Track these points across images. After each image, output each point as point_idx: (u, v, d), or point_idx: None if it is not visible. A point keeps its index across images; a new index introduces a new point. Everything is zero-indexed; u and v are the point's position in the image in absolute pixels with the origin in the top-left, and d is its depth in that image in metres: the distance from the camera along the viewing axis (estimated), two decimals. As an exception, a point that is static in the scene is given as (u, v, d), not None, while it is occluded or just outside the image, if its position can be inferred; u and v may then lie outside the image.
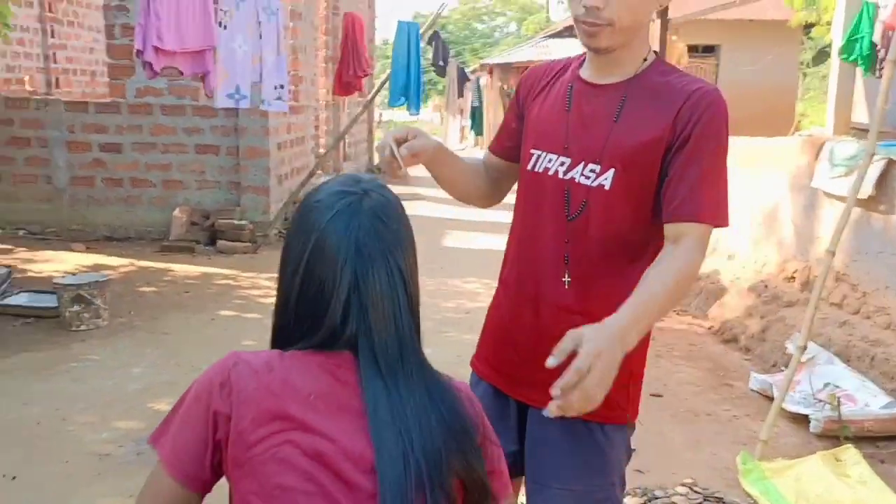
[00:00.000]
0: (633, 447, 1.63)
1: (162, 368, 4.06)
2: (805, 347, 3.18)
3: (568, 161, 1.50)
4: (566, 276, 1.51)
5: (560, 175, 1.51)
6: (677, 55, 8.78)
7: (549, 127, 1.55)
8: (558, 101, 1.55)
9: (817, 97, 19.96)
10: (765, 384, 4.03)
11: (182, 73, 4.86)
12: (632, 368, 1.53)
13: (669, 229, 1.42)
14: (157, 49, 4.35)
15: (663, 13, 7.93)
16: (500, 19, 47.03)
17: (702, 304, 5.68)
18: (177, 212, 7.17)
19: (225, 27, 4.90)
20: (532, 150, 1.58)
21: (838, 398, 3.54)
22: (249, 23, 5.12)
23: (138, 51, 4.41)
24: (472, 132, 17.71)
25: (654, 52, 1.53)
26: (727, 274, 5.75)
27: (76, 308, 4.57)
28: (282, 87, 5.48)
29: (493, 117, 16.70)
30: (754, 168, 5.73)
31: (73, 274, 5.42)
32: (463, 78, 13.98)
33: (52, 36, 9.99)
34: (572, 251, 1.50)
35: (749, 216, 5.68)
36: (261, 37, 5.13)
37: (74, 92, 10.38)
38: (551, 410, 1.17)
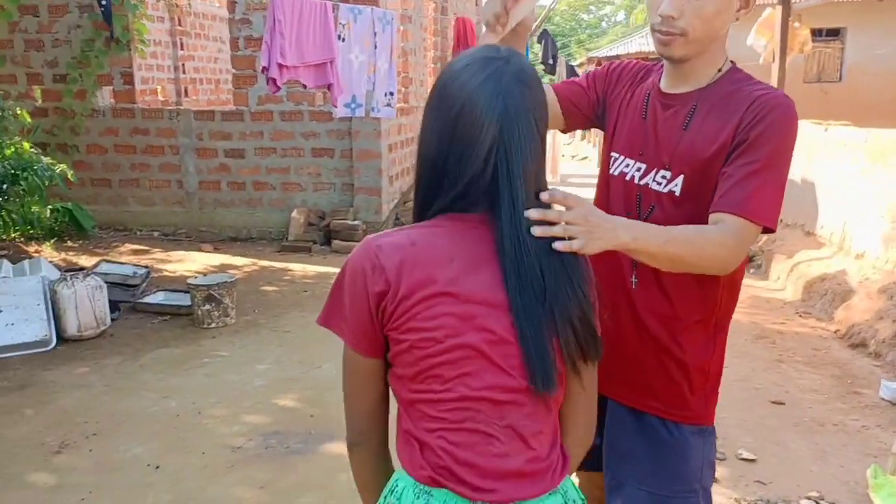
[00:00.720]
0: (719, 456, 1.64)
1: (285, 365, 4.29)
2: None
3: (644, 167, 1.56)
4: (634, 276, 1.56)
5: (636, 180, 1.56)
6: (801, 41, 8.34)
7: (628, 133, 1.61)
8: (637, 108, 1.61)
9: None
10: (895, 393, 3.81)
11: (306, 87, 5.09)
12: (708, 368, 1.58)
13: (712, 219, 1.41)
14: (280, 65, 4.58)
15: (784, 1, 7.56)
16: (607, 8, 46.04)
17: (826, 306, 5.40)
18: (294, 213, 7.51)
19: (343, 39, 5.11)
20: (612, 153, 1.65)
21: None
22: (366, 34, 5.31)
23: (264, 68, 4.66)
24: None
25: (731, 61, 1.53)
26: (855, 274, 5.44)
27: (207, 307, 4.89)
28: (391, 94, 5.64)
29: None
30: (887, 161, 5.38)
31: (204, 274, 5.80)
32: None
33: (182, 48, 10.66)
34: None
35: (879, 212, 5.34)
36: (375, 46, 5.30)
37: (200, 100, 11.04)
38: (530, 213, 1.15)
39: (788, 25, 7.81)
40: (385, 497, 1.19)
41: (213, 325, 4.92)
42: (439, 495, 1.13)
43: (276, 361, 4.36)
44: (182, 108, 8.20)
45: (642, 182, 1.55)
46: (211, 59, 11.80)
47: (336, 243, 7.30)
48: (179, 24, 10.57)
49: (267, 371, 4.21)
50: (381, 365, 1.18)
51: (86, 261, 6.42)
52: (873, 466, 2.93)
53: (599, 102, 1.71)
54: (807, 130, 6.50)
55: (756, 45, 8.36)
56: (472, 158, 1.12)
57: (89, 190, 7.82)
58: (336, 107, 5.24)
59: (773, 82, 7.62)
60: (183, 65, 10.70)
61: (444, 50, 11.28)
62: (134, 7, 7.04)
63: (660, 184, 1.52)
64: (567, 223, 1.13)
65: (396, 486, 1.17)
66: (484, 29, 1.45)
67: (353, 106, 5.24)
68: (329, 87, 5.04)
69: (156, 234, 7.78)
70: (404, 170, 8.63)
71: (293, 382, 4.03)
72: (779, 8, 7.75)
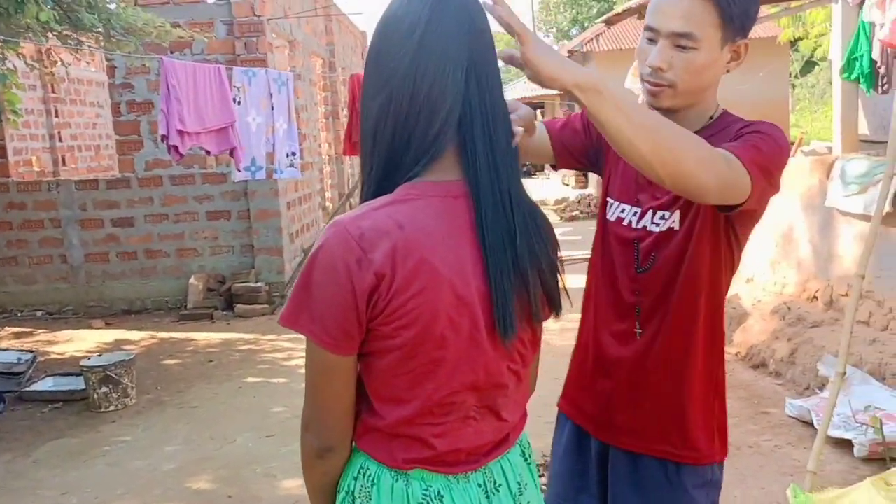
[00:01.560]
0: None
1: (196, 444, 4.05)
2: (844, 373, 3.15)
3: (639, 210, 1.53)
4: (637, 327, 1.53)
5: (633, 225, 1.54)
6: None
7: (622, 177, 1.58)
8: None
9: (808, 107, 20.14)
10: (802, 410, 3.99)
11: (209, 153, 4.95)
12: (713, 408, 1.56)
13: None
14: (180, 132, 4.43)
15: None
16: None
17: (725, 329, 5.65)
18: (192, 279, 7.21)
19: (239, 102, 5.01)
20: (608, 199, 1.62)
21: (881, 420, 3.50)
22: (262, 95, 5.23)
23: (163, 136, 4.49)
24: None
25: (724, 109, 1.52)
26: (748, 298, 5.73)
27: (104, 389, 4.57)
28: (293, 154, 5.57)
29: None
30: (764, 190, 5.75)
31: (98, 353, 5.43)
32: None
33: (56, 115, 10.16)
34: (643, 303, 1.52)
35: (765, 238, 5.68)
36: (273, 108, 5.23)
37: (80, 168, 10.51)
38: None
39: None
40: (355, 479, 1.10)
41: (112, 408, 4.59)
42: (416, 475, 1.08)
43: (186, 441, 4.10)
44: (62, 178, 7.78)
45: (639, 226, 1.53)
46: (89, 126, 11.30)
47: (239, 307, 7.04)
48: (53, 91, 10.08)
49: (176, 453, 3.95)
50: (355, 360, 1.07)
51: (-39, 350, 5.89)
52: (792, 486, 3.03)
53: (593, 145, 1.67)
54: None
55: (633, 87, 8.82)
56: (448, 87, 1.02)
57: (-39, 272, 7.24)
58: (240, 169, 5.10)
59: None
60: (59, 132, 10.18)
61: (335, 105, 11.29)
62: (3, 77, 6.65)
63: (658, 224, 1.50)
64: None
65: (367, 469, 1.10)
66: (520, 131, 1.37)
67: (253, 169, 5.13)
68: (232, 151, 4.92)
69: (39, 313, 7.25)
70: (304, 226, 8.48)
71: (206, 462, 3.80)
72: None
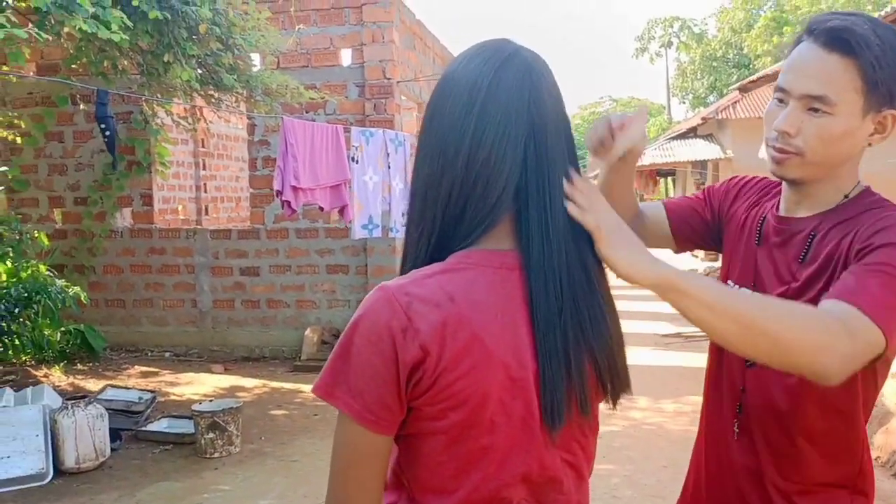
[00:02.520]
0: None
1: (289, 500, 4.03)
2: None
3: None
4: (736, 426, 1.37)
5: None
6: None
7: (742, 259, 1.43)
8: (751, 232, 1.42)
9: None
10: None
11: (322, 209, 5.10)
12: None
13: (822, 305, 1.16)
14: (294, 188, 4.59)
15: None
16: (621, 121, 47.34)
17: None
18: (308, 331, 7.38)
19: (357, 161, 5.15)
20: (728, 281, 1.46)
21: None
22: (379, 155, 5.36)
23: (278, 191, 4.67)
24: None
25: (866, 187, 1.32)
26: (892, 394, 5.13)
27: (211, 435, 4.67)
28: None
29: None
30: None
31: (211, 399, 5.60)
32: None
33: (204, 168, 10.92)
34: (748, 400, 1.35)
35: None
36: (389, 167, 5.34)
37: (221, 217, 11.20)
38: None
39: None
40: None
41: (217, 454, 4.68)
42: None
43: (280, 496, 4.09)
44: (199, 227, 8.27)
45: None
46: (232, 178, 12.07)
47: (350, 362, 7.10)
48: (203, 146, 10.87)
49: (269, 507, 3.94)
50: (391, 443, 0.96)
51: (93, 384, 6.27)
52: None
53: (715, 222, 1.53)
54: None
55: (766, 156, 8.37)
56: (507, 155, 0.96)
57: (103, 311, 7.78)
58: (351, 226, 5.22)
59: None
60: (205, 184, 10.93)
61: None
62: (156, 132, 7.24)
63: None
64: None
65: None
66: (590, 157, 1.29)
67: (370, 227, 5.24)
68: (343, 208, 5.04)
69: (167, 354, 7.65)
70: (420, 285, 8.54)
71: (297, 520, 3.76)
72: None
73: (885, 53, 1.19)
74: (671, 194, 25.98)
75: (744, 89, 8.48)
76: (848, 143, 1.24)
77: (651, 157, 17.76)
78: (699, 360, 6.83)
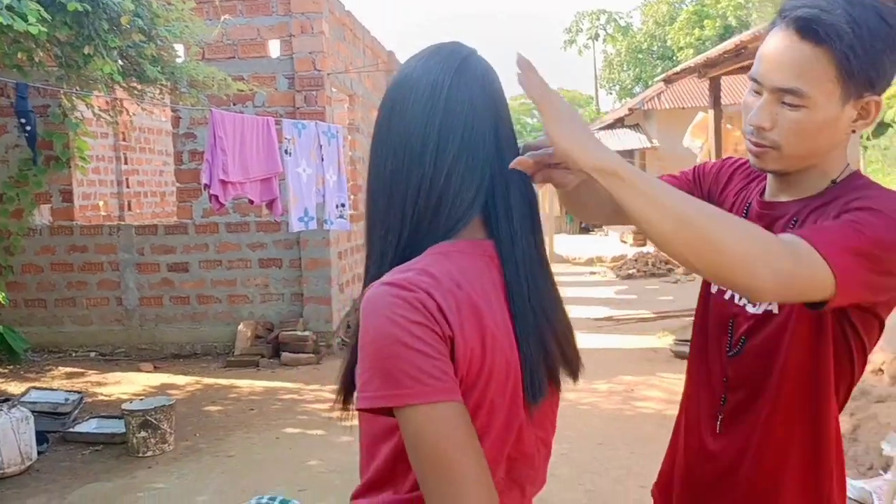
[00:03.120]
0: None
1: (227, 496, 3.98)
2: (909, 457, 2.90)
3: None
4: (719, 419, 1.33)
5: (736, 300, 1.32)
6: (734, 142, 8.70)
7: None
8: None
9: (881, 169, 19.53)
10: (863, 492, 3.68)
11: (252, 203, 5.04)
12: None
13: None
14: (223, 182, 4.52)
15: (716, 104, 7.92)
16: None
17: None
18: (241, 326, 7.28)
19: (290, 153, 5.10)
20: None
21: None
22: (312, 147, 5.33)
23: (205, 185, 4.59)
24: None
25: (855, 171, 1.27)
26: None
27: (143, 434, 4.58)
28: (343, 205, 5.62)
29: (549, 209, 16.76)
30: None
31: (142, 397, 5.48)
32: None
33: (126, 163, 10.58)
34: (731, 393, 1.32)
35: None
36: (322, 159, 5.31)
37: (145, 213, 10.89)
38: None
39: (722, 128, 8.15)
40: None
41: (150, 453, 4.59)
42: None
43: (218, 491, 4.05)
44: (122, 223, 8.04)
45: (740, 302, 1.31)
46: (156, 173, 11.73)
47: (285, 356, 7.05)
48: (124, 140, 10.53)
49: (207, 503, 3.90)
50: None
51: (15, 388, 6.04)
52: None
53: (705, 196, 1.46)
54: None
55: (692, 146, 8.70)
56: (479, 149, 1.00)
57: (23, 311, 7.48)
58: (287, 219, 5.16)
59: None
60: (127, 179, 10.59)
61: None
62: (75, 126, 6.99)
63: (756, 305, 1.28)
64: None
65: None
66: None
67: (306, 220, 5.21)
68: (272, 202, 4.99)
69: (92, 354, 7.41)
70: (355, 277, 8.52)
71: (234, 515, 3.73)
72: (711, 112, 8.10)
73: (862, 39, 1.11)
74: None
75: (667, 80, 8.76)
76: (827, 133, 1.18)
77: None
78: (630, 341, 7.05)
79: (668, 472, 1.49)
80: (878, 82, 1.15)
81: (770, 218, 1.27)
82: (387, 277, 0.93)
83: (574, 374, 1.08)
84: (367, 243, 1.06)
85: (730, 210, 1.37)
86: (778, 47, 1.17)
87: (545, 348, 1.01)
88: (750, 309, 1.29)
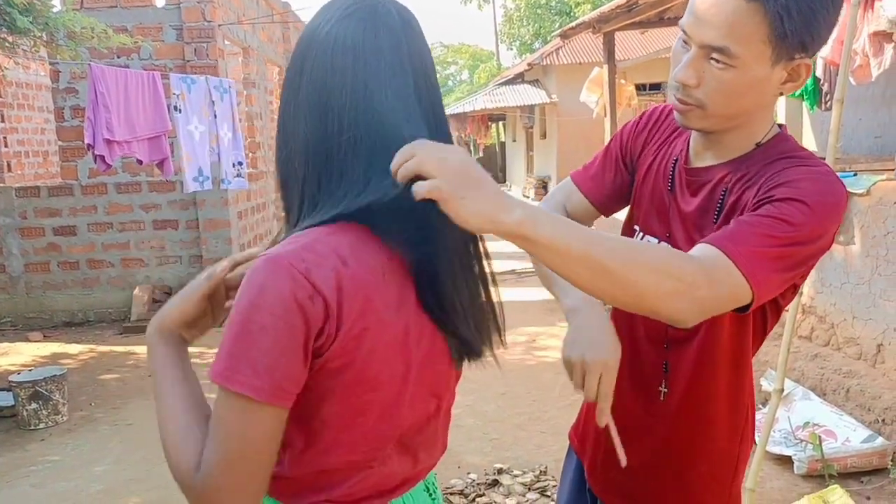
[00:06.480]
0: None
1: (126, 464, 3.89)
2: (782, 390, 3.15)
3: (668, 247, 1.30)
4: (663, 385, 1.31)
5: None
6: (628, 96, 8.95)
7: (652, 205, 1.33)
8: (663, 176, 1.32)
9: None
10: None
11: (141, 163, 4.80)
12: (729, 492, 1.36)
13: (692, 250, 1.08)
14: (108, 141, 4.29)
15: (610, 58, 8.10)
16: (452, 68, 47.84)
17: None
18: (137, 291, 7.01)
19: (179, 110, 4.87)
20: (635, 227, 1.38)
21: (819, 436, 3.51)
22: (203, 103, 5.10)
23: (89, 145, 4.34)
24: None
25: (780, 131, 1.23)
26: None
27: (34, 406, 4.38)
28: (240, 163, 5.44)
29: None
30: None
31: (30, 368, 5.22)
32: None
33: (3, 120, 9.86)
34: (673, 358, 1.30)
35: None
36: (215, 116, 5.10)
37: (27, 174, 10.22)
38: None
39: (616, 83, 8.36)
40: None
41: (42, 425, 4.41)
42: None
43: (116, 461, 3.94)
44: (2, 185, 7.53)
45: None
46: (37, 131, 10.99)
47: (185, 320, 6.84)
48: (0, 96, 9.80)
49: (104, 473, 3.78)
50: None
51: None
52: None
53: (629, 170, 1.41)
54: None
55: (588, 100, 8.89)
56: (397, 111, 0.93)
57: None
58: (182, 179, 4.96)
59: (606, 135, 8.10)
60: (5, 138, 9.89)
61: (291, 113, 11.15)
62: (-60, 79, 6.43)
63: None
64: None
65: None
66: None
67: (201, 179, 4.99)
68: (163, 161, 4.78)
69: (-25, 325, 6.99)
70: (256, 237, 8.33)
71: (135, 484, 3.64)
72: (606, 67, 8.29)
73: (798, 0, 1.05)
74: (502, 139, 26.78)
75: (564, 36, 8.87)
76: (755, 94, 1.13)
77: (482, 102, 18.21)
78: (532, 293, 7.22)
79: (587, 422, 1.51)
80: (811, 45, 1.09)
81: (697, 184, 1.25)
82: (272, 251, 0.90)
83: (480, 350, 1.07)
84: (286, 206, 1.02)
85: (650, 166, 1.35)
86: (709, 0, 1.10)
87: (451, 320, 1.00)
88: None
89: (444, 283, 0.98)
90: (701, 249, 1.05)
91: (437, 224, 0.93)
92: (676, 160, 1.30)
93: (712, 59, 1.10)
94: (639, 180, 1.37)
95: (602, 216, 1.49)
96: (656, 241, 1.31)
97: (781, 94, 1.17)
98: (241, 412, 0.87)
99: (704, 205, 1.23)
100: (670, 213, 1.29)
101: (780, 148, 1.19)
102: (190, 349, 1.01)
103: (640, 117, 1.44)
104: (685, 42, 1.15)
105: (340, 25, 0.95)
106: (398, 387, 0.97)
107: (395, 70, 0.94)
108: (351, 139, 0.92)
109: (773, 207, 1.08)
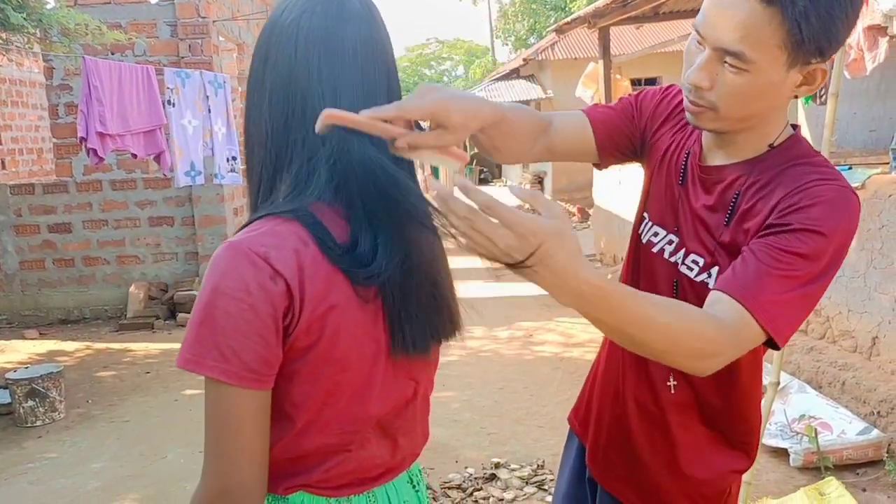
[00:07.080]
0: None
1: (124, 461, 3.88)
2: (778, 383, 3.16)
3: (676, 241, 1.29)
4: (672, 379, 1.31)
5: (665, 255, 1.30)
6: (622, 91, 8.94)
7: (663, 196, 1.32)
8: (676, 168, 1.31)
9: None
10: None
11: (135, 156, 4.78)
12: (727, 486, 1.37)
13: (710, 297, 1.08)
14: (101, 134, 4.27)
15: (605, 53, 8.10)
16: (447, 64, 47.77)
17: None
18: (133, 288, 7.00)
19: (173, 104, 4.85)
20: (644, 213, 1.38)
21: (815, 429, 3.52)
22: (197, 98, 5.08)
23: (81, 138, 4.32)
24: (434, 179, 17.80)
25: (794, 133, 1.22)
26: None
27: (30, 403, 4.37)
28: (234, 158, 5.43)
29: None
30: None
31: (27, 365, 5.21)
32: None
33: (-4, 118, 9.83)
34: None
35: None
36: (209, 110, 5.08)
37: (21, 172, 10.18)
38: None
39: (611, 78, 8.36)
40: None
41: (39, 422, 4.40)
42: (296, 498, 1.01)
43: (114, 457, 3.94)
44: (-4, 183, 7.50)
45: (672, 259, 1.28)
46: (31, 129, 10.95)
47: (182, 316, 6.84)
48: (-8, 93, 9.76)
49: (102, 470, 3.78)
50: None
51: None
52: (727, 497, 3.02)
53: (639, 137, 1.39)
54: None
55: (583, 95, 8.89)
56: (360, 102, 0.93)
57: None
58: (173, 174, 4.94)
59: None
60: (-1, 135, 9.86)
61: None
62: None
63: (691, 269, 1.25)
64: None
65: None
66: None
67: (193, 174, 4.97)
68: (159, 155, 4.76)
69: (-30, 323, 6.97)
70: (252, 234, 8.32)
71: (133, 480, 3.65)
72: (601, 62, 8.29)
73: (817, 4, 1.01)
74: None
75: (559, 31, 8.87)
76: (768, 98, 1.12)
77: (518, 92, 18.17)
78: (528, 288, 7.22)
79: (587, 406, 1.52)
80: (827, 51, 1.06)
81: (709, 182, 1.24)
82: (234, 237, 0.91)
83: (452, 330, 1.07)
84: (252, 191, 1.02)
85: (665, 153, 1.33)
86: (725, 2, 1.06)
87: (419, 304, 1.00)
88: (684, 270, 1.27)
89: (415, 255, 0.99)
90: (721, 305, 1.05)
91: (392, 212, 0.94)
92: (689, 154, 1.30)
93: (726, 62, 1.08)
94: (654, 167, 1.37)
95: (593, 163, 1.44)
96: (664, 233, 1.31)
97: (796, 96, 1.15)
98: (217, 396, 0.89)
99: (715, 204, 1.22)
100: (679, 206, 1.29)
101: (794, 152, 1.17)
102: (172, 345, 1.00)
103: (666, 92, 1.41)
104: (699, 42, 1.13)
105: (304, 13, 0.96)
106: (369, 367, 0.98)
107: (359, 58, 0.95)
108: (313, 128, 0.93)
109: (789, 240, 1.07)
